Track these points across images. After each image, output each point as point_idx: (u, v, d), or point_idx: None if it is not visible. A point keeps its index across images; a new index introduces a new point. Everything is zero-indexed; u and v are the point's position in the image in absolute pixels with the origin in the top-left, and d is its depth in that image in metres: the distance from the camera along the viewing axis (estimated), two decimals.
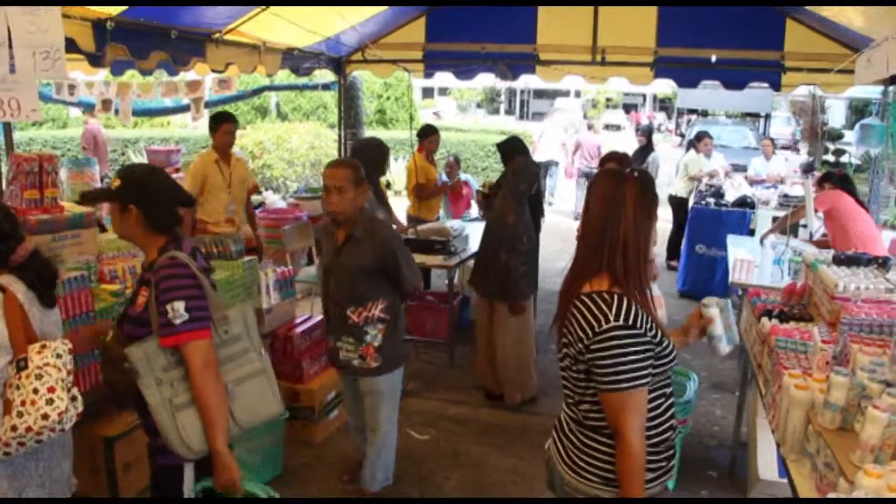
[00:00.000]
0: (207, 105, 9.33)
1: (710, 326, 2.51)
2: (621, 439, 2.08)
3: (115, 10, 4.91)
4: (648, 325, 2.11)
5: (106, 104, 8.90)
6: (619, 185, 2.17)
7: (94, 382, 3.33)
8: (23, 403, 2.39)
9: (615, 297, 2.10)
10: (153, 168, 2.80)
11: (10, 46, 3.66)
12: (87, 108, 9.45)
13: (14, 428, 2.38)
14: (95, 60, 5.10)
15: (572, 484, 2.27)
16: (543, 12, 7.28)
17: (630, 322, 2.06)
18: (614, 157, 5.34)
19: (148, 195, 2.58)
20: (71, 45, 4.63)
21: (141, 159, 10.13)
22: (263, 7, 5.98)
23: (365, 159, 4.19)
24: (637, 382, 2.06)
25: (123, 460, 3.53)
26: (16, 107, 3.70)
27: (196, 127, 16.31)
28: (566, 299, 2.23)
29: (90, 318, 3.22)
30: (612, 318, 2.06)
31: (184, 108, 9.52)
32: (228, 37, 6.28)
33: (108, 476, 3.56)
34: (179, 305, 2.45)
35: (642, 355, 2.07)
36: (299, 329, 4.70)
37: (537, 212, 5.99)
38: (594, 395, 2.17)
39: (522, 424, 5.17)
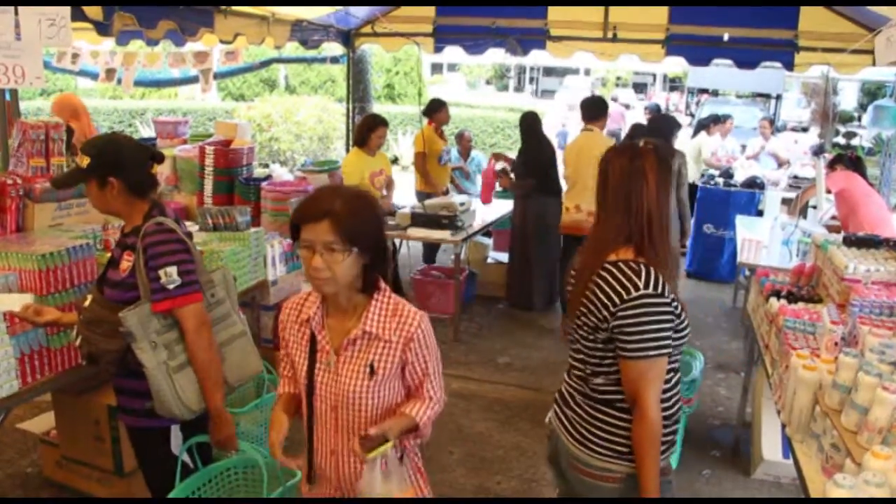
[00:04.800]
0: (216, 76, 9.26)
1: None
2: (640, 409, 2.10)
3: None
4: (672, 297, 2.13)
5: (109, 73, 8.82)
6: (638, 159, 2.18)
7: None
8: None
9: (642, 265, 2.11)
10: (114, 134, 2.77)
11: (17, 14, 3.64)
12: (90, 77, 9.39)
13: None
14: (103, 29, 5.06)
15: (581, 458, 2.25)
16: None
17: (658, 290, 2.08)
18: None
19: (123, 162, 2.56)
20: (77, 14, 4.60)
21: (149, 131, 10.07)
22: None
23: None
24: (662, 351, 2.09)
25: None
26: (20, 73, 3.66)
27: (203, 99, 16.26)
28: (588, 271, 2.21)
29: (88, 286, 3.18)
30: (641, 285, 2.07)
31: (191, 80, 9.45)
32: (237, 7, 6.22)
33: (113, 443, 3.56)
34: (172, 270, 2.51)
35: (668, 324, 2.09)
36: None
37: None
38: (611, 366, 2.18)
39: (526, 400, 5.16)
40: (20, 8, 3.66)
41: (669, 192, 2.21)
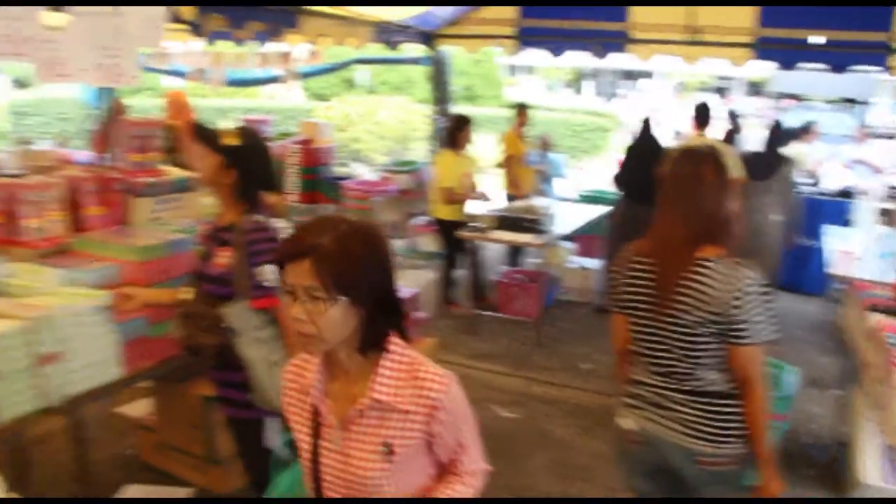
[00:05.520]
0: (299, 76, 9.41)
1: None
2: (753, 388, 2.26)
3: None
4: None
5: (198, 73, 9.05)
6: (699, 163, 2.27)
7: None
8: None
9: (740, 261, 2.23)
10: (266, 145, 2.83)
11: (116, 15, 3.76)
12: (178, 76, 9.63)
13: None
14: (196, 30, 5.21)
15: (708, 451, 2.30)
16: None
17: (764, 281, 2.21)
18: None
19: (251, 163, 2.64)
20: (172, 15, 4.74)
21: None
22: None
23: None
24: (770, 336, 2.23)
25: (220, 418, 3.62)
26: (119, 73, 3.78)
27: (284, 98, 16.53)
28: (674, 271, 2.27)
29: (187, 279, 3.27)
30: (752, 276, 2.19)
31: (274, 79, 9.63)
32: (321, 8, 6.31)
33: (207, 432, 3.65)
34: (269, 268, 2.53)
35: (772, 311, 2.23)
36: None
37: None
38: (718, 357, 2.26)
39: (608, 407, 5.04)
40: (122, 9, 3.78)
41: (730, 193, 2.28)
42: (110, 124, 8.19)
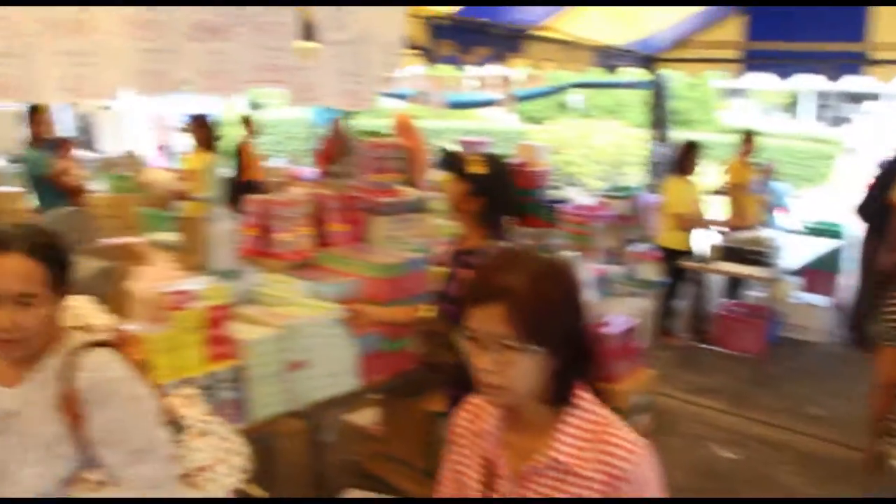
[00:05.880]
0: (517, 100, 9.56)
1: None
2: None
3: (452, 9, 5.18)
4: None
5: (420, 95, 9.43)
6: None
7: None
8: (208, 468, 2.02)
9: None
10: (510, 169, 2.89)
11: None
12: (401, 98, 10.05)
13: None
14: (427, 55, 5.44)
15: None
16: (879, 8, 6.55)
17: None
18: None
19: (498, 190, 2.70)
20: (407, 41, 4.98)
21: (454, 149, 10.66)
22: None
23: None
24: None
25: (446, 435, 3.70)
26: (360, 97, 4.00)
27: (498, 120, 16.84)
28: None
29: (427, 297, 3.38)
30: None
31: (491, 102, 9.83)
32: (544, 33, 6.38)
33: (429, 447, 3.74)
34: None
35: None
36: (611, 329, 4.63)
37: None
38: None
39: (846, 459, 4.66)
40: (366, 37, 4.00)
41: None
42: (332, 143, 8.76)
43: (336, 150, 8.44)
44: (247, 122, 8.60)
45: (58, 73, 3.13)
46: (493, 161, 2.81)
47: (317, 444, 3.53)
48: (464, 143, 7.70)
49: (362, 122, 6.39)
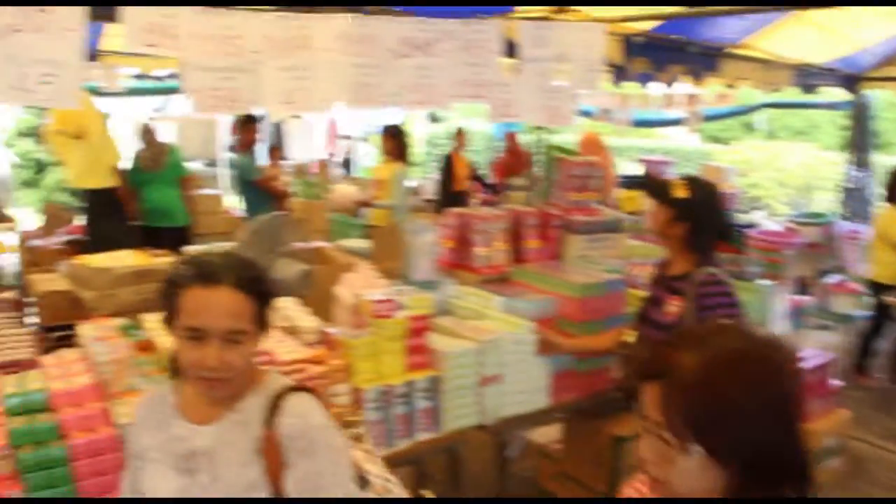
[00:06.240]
0: (704, 119, 9.28)
1: None
2: None
3: (648, 26, 5.10)
4: None
5: (604, 113, 9.34)
6: None
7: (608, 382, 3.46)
8: None
9: None
10: (717, 191, 2.80)
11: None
12: (585, 115, 10.00)
13: None
14: (621, 74, 5.37)
15: None
16: None
17: None
18: None
19: (703, 221, 2.62)
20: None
21: (633, 169, 10.50)
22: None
23: None
24: None
25: (630, 461, 3.61)
26: (558, 114, 3.99)
27: (679, 139, 16.38)
28: None
29: (623, 319, 3.32)
30: None
31: (678, 121, 9.59)
32: (741, 51, 6.15)
33: (611, 473, 3.67)
34: None
35: None
36: (807, 363, 4.38)
37: None
38: None
39: None
40: (567, 55, 4.00)
41: None
42: (509, 156, 8.83)
43: (513, 163, 8.51)
44: (458, 133, 8.74)
45: (279, 88, 3.33)
46: (697, 184, 2.73)
47: (500, 458, 3.54)
48: (646, 162, 7.56)
49: (544, 137, 6.35)
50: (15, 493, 2.17)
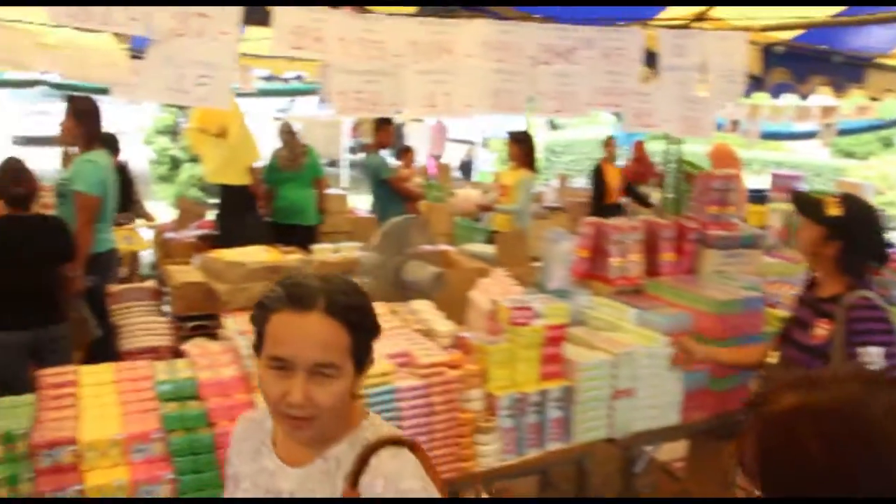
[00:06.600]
0: (839, 133, 8.89)
1: None
2: None
3: (790, 35, 4.92)
4: None
5: (733, 124, 9.07)
6: None
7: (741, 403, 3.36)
8: None
9: None
10: (873, 210, 2.67)
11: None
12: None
13: None
14: (757, 84, 5.20)
15: None
16: None
17: None
18: None
19: (858, 240, 2.50)
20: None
21: (759, 183, 10.17)
22: None
23: None
24: None
25: None
26: (698, 125, 3.90)
27: (806, 152, 15.76)
28: None
29: (761, 339, 3.22)
30: None
31: (811, 134, 9.23)
32: (891, 62, 5.84)
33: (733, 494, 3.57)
34: (875, 351, 2.36)
35: None
36: None
37: None
38: None
39: None
40: (708, 65, 3.91)
41: None
42: (635, 164, 8.68)
43: (641, 172, 8.36)
44: (608, 142, 8.31)
45: (420, 91, 3.38)
46: (852, 202, 2.60)
47: (627, 473, 3.48)
48: (776, 176, 7.31)
49: (673, 148, 6.20)
50: (165, 474, 2.28)
